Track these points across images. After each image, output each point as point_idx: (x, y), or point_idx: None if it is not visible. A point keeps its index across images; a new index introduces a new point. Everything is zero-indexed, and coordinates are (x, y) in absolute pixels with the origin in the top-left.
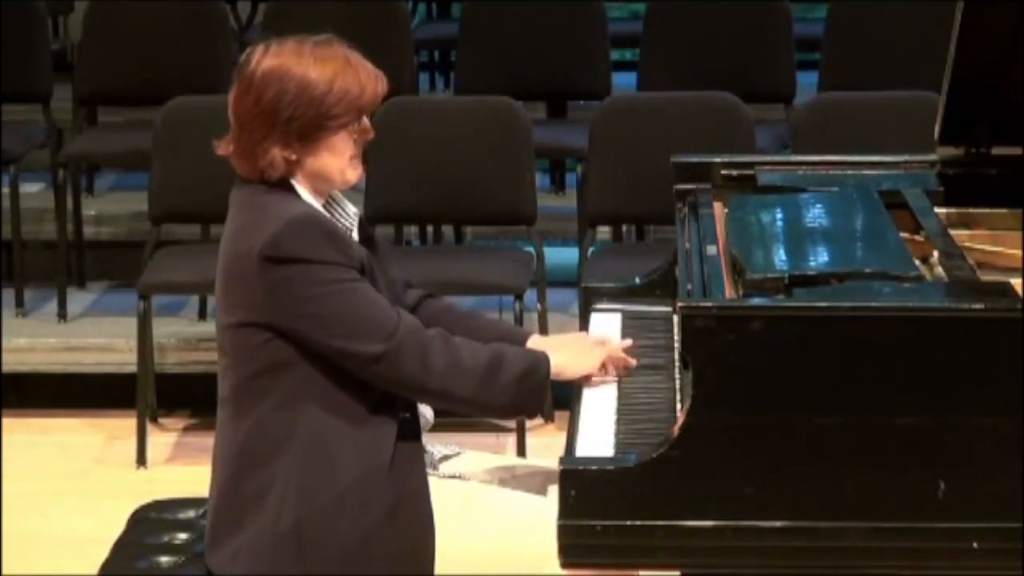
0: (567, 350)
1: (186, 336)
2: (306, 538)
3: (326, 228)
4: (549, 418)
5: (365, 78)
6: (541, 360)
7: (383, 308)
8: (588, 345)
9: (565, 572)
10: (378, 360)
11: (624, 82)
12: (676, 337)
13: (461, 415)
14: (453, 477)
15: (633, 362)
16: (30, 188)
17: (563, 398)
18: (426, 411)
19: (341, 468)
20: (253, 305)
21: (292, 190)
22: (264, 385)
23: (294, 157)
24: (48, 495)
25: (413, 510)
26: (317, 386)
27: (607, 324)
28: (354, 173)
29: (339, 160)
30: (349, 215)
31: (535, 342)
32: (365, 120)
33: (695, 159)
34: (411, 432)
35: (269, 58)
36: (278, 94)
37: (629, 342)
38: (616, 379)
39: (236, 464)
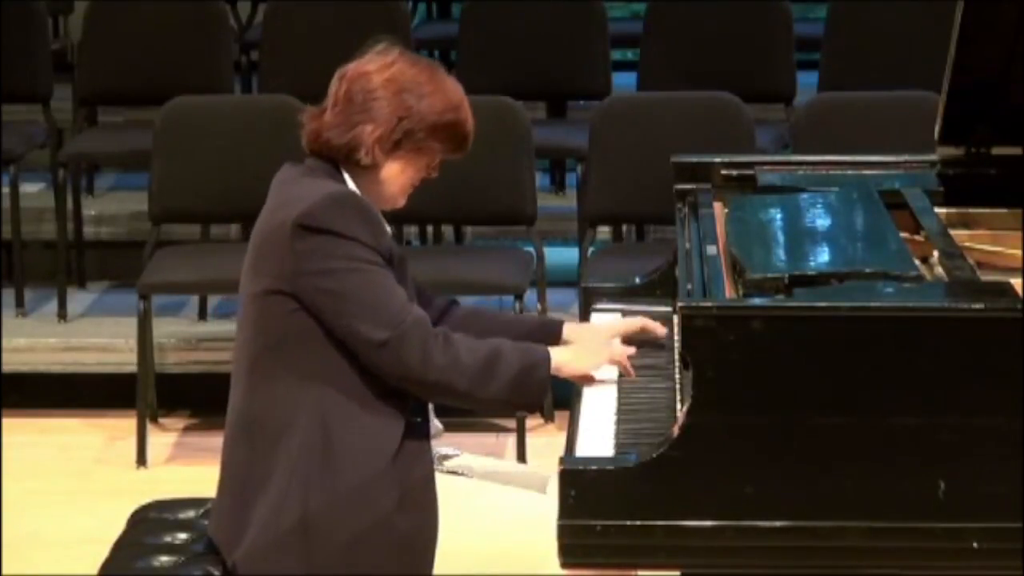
0: (572, 348)
1: (186, 336)
2: (311, 526)
3: (363, 208)
4: (549, 418)
5: (472, 124)
6: (541, 356)
7: (398, 297)
8: (597, 344)
9: (565, 572)
10: (382, 346)
11: (624, 82)
12: (676, 337)
13: (461, 412)
14: (455, 473)
15: (633, 374)
16: (30, 188)
17: (563, 398)
18: (435, 419)
19: (347, 455)
20: (280, 273)
21: (342, 179)
22: (281, 359)
23: (380, 154)
24: (48, 495)
25: (418, 500)
26: (332, 366)
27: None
28: (403, 201)
29: (404, 181)
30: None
31: (570, 331)
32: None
33: (695, 159)
34: (419, 426)
35: (405, 62)
36: (402, 93)
37: (632, 350)
38: (615, 380)
39: (245, 441)
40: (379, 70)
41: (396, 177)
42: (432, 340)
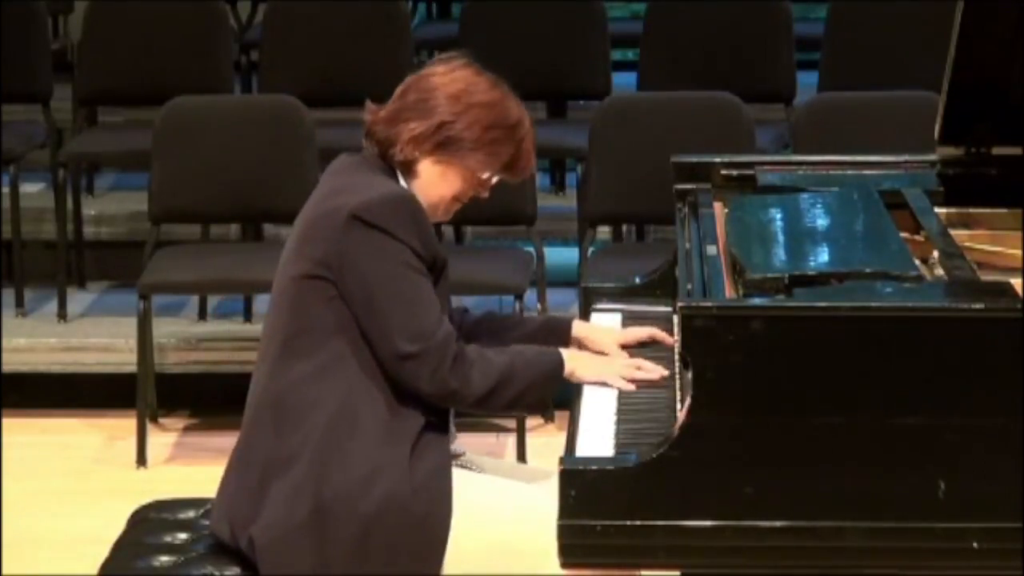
0: (586, 356)
1: (186, 336)
2: (326, 511)
3: (418, 212)
4: (549, 418)
5: (528, 148)
6: (553, 364)
7: (432, 310)
8: (610, 356)
9: (565, 572)
10: (405, 358)
11: (624, 82)
12: (676, 337)
13: (460, 413)
14: (466, 468)
15: (631, 386)
16: (30, 188)
17: (563, 398)
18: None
19: (366, 442)
20: (325, 259)
21: (396, 177)
22: (313, 343)
23: (415, 152)
24: (48, 495)
25: (433, 491)
26: (363, 356)
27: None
28: (443, 214)
29: (444, 190)
30: None
31: (579, 328)
32: (492, 180)
33: (695, 159)
34: (439, 421)
35: (468, 71)
36: (451, 98)
37: (641, 361)
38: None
39: (268, 420)
40: (441, 74)
41: (434, 182)
42: (448, 362)
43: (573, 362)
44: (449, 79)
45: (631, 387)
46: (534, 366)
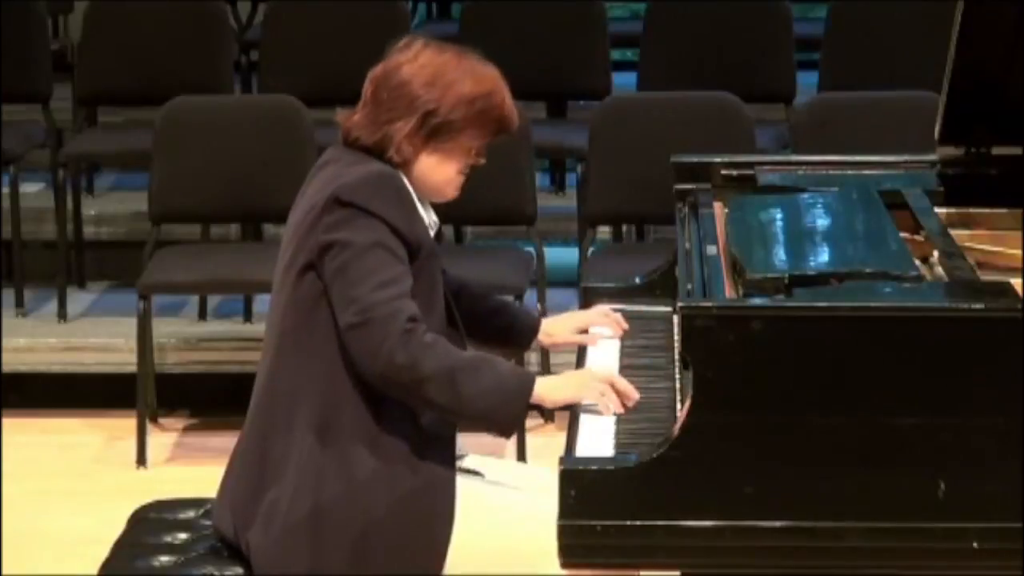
0: (556, 378)
1: (186, 336)
2: (323, 515)
3: (402, 192)
4: (549, 418)
5: (510, 104)
6: (523, 384)
7: (388, 286)
8: (584, 375)
9: (565, 572)
10: (347, 331)
11: (624, 82)
12: (676, 337)
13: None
14: (470, 472)
15: (635, 397)
16: (30, 188)
17: None
18: None
19: (362, 445)
20: (309, 244)
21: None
22: (305, 339)
23: (411, 149)
24: (48, 495)
25: (433, 496)
26: (349, 359)
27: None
28: (453, 191)
29: (447, 171)
30: (430, 221)
31: (548, 324)
32: (485, 146)
33: (695, 159)
34: (438, 424)
35: (430, 52)
36: (427, 86)
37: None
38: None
39: (263, 418)
40: (406, 63)
41: (434, 170)
42: (395, 338)
43: (542, 389)
44: (418, 67)
45: (609, 406)
46: (500, 377)
